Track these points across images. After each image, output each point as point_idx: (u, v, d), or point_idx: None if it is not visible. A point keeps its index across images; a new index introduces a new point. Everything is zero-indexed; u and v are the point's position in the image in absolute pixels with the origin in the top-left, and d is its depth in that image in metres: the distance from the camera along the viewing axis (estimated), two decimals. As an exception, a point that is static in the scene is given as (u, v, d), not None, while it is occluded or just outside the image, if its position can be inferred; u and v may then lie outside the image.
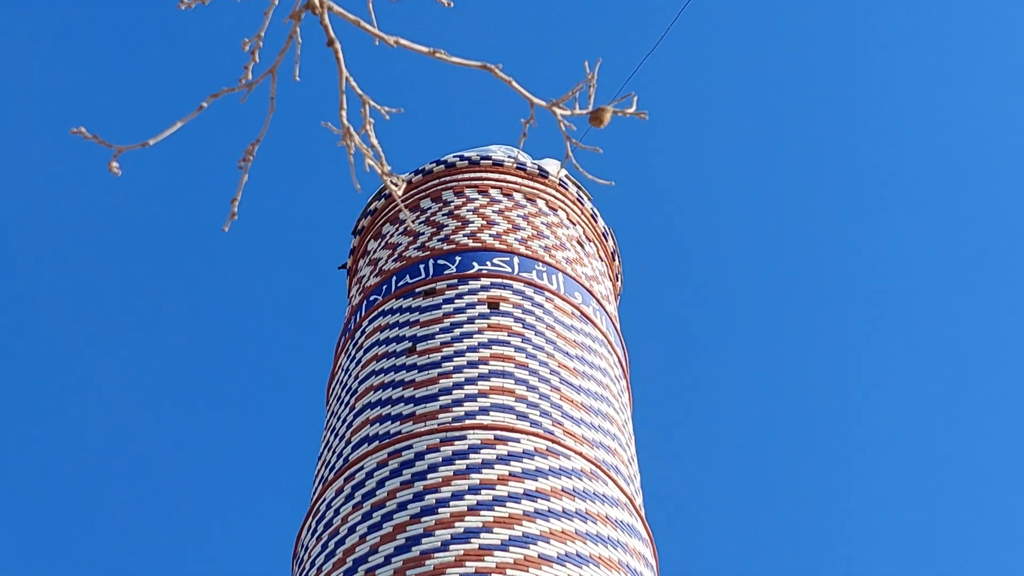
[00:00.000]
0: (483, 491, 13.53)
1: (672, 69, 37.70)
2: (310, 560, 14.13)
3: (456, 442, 14.13)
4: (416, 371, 15.29)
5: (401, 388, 15.14)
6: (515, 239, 17.40)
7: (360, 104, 4.29)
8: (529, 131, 4.39)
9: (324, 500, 14.68)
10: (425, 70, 40.77)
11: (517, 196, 18.33)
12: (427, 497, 13.53)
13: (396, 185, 4.31)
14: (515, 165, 18.72)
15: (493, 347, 15.43)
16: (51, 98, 37.27)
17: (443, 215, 17.88)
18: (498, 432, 14.23)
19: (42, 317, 37.08)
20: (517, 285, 16.53)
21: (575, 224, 18.68)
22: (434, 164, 18.76)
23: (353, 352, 16.70)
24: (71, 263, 37.35)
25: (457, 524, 13.17)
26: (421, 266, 17.02)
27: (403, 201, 18.76)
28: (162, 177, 37.22)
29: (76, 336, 37.28)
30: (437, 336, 15.69)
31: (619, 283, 19.62)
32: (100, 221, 37.46)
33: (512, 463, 13.92)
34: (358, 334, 16.92)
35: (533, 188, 18.58)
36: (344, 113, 4.24)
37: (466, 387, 14.85)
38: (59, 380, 36.98)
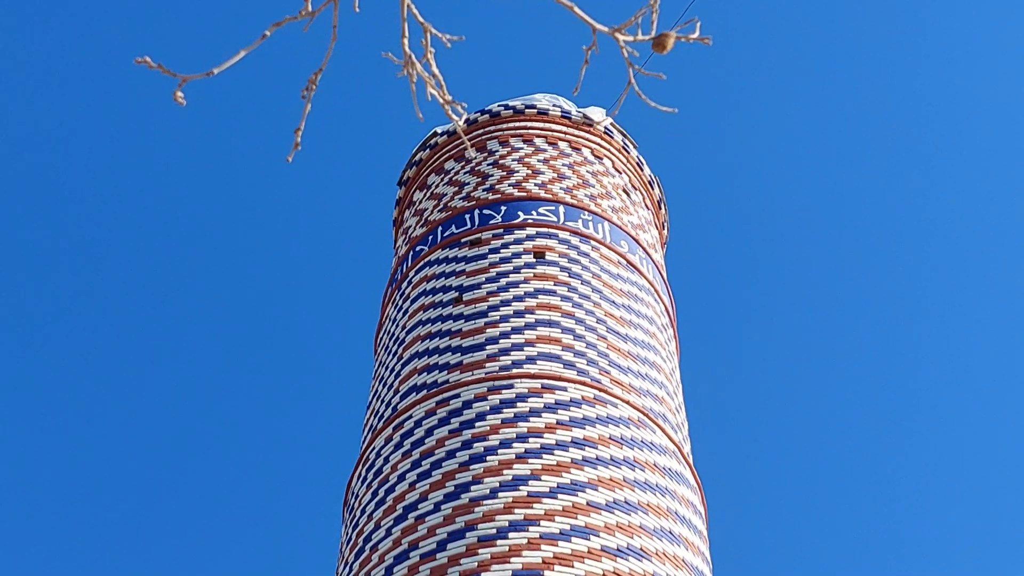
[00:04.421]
0: (531, 439, 13.53)
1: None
2: (360, 507, 14.21)
3: (503, 391, 14.13)
4: (463, 321, 15.30)
5: (448, 338, 15.16)
6: (560, 188, 17.35)
7: (421, 33, 4.28)
8: (591, 59, 4.36)
9: (374, 448, 14.74)
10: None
11: (562, 145, 18.26)
12: (475, 445, 13.56)
13: (459, 115, 4.30)
14: (560, 113, 18.64)
15: (539, 296, 15.41)
16: (115, 28, 37.43)
17: (488, 165, 17.84)
18: (545, 381, 14.23)
19: (100, 233, 37.38)
20: (563, 234, 16.49)
21: (620, 172, 18.60)
22: (479, 113, 18.71)
23: (400, 302, 16.73)
24: (129, 187, 37.63)
25: (506, 472, 13.19)
26: (467, 216, 17.00)
27: (447, 151, 18.72)
28: (226, 106, 37.33)
29: (129, 259, 37.52)
30: (483, 286, 15.69)
31: (665, 231, 19.55)
32: (162, 152, 37.68)
33: (559, 411, 13.91)
34: (405, 284, 16.95)
35: (578, 136, 18.51)
36: (406, 41, 4.23)
37: (513, 336, 14.84)
38: (112, 307, 37.18)
